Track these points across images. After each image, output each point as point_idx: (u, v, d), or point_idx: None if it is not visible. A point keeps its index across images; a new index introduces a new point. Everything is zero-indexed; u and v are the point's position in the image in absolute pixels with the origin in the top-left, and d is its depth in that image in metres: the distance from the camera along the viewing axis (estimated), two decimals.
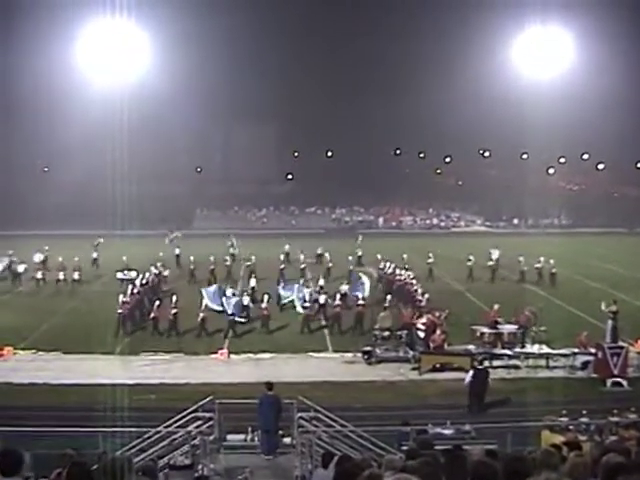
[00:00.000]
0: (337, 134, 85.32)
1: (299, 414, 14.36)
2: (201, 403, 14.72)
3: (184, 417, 14.18)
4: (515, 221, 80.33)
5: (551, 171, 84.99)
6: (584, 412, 15.59)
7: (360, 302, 28.39)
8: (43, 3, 56.37)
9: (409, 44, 70.20)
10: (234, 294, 29.76)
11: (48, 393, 20.49)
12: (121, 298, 27.98)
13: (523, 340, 24.51)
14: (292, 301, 30.72)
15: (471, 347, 23.51)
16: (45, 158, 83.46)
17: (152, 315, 27.77)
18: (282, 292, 31.46)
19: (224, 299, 28.69)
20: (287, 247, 43.02)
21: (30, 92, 66.02)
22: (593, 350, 22.49)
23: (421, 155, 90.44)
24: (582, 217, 75.97)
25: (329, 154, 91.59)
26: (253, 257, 39.15)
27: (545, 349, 23.33)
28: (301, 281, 33.55)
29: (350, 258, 40.26)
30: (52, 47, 57.51)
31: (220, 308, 28.76)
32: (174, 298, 28.01)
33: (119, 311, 27.48)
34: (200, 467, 13.10)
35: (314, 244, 45.33)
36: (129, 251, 39.65)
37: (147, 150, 69.27)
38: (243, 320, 28.34)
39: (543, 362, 23.09)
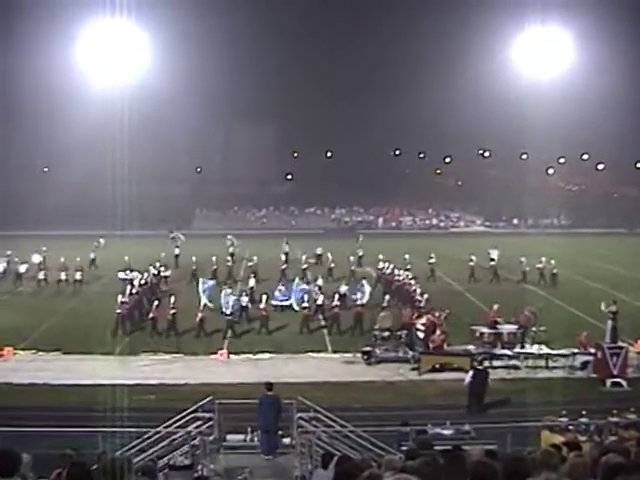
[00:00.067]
0: (337, 134, 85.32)
1: (299, 414, 14.37)
2: (201, 403, 14.72)
3: (184, 417, 14.18)
4: (515, 221, 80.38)
5: (551, 171, 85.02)
6: (584, 412, 15.58)
7: (359, 302, 28.43)
8: (43, 3, 56.39)
9: (409, 44, 70.21)
10: (232, 294, 29.75)
11: (48, 393, 20.48)
12: (119, 298, 28.00)
13: (523, 340, 24.51)
14: (289, 305, 30.87)
15: (471, 347, 23.51)
16: (45, 158, 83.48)
17: (151, 315, 27.77)
18: (277, 294, 31.37)
19: (222, 298, 28.76)
20: (287, 247, 43.10)
21: (30, 92, 66.04)
22: (593, 350, 22.49)
23: (421, 155, 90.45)
24: (582, 217, 76.00)
25: (329, 154, 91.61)
26: (255, 257, 39.19)
27: (545, 349, 23.32)
28: (296, 280, 33.37)
29: (352, 258, 40.38)
30: (52, 47, 57.53)
31: (205, 300, 29.55)
32: (172, 298, 28.05)
33: (118, 311, 27.50)
34: (200, 467, 13.10)
35: (314, 244, 45.34)
36: (129, 251, 39.61)
37: (147, 150, 69.28)
38: (236, 319, 28.26)
39: (543, 362, 23.08)
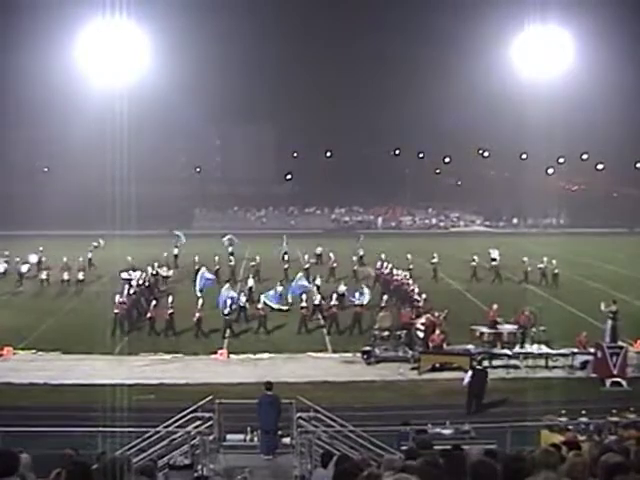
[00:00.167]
0: (336, 134, 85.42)
1: (298, 414, 14.36)
2: (200, 403, 14.72)
3: (183, 417, 14.18)
4: (514, 221, 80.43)
5: (550, 171, 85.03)
6: (583, 412, 15.58)
7: (357, 303, 28.42)
8: (42, 3, 56.41)
9: (409, 44, 70.28)
10: (232, 290, 29.77)
11: (48, 393, 20.49)
12: (117, 298, 28.02)
13: (523, 340, 24.52)
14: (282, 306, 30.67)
15: (470, 347, 23.51)
16: (45, 159, 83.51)
17: (149, 315, 27.79)
18: (272, 293, 31.08)
19: (221, 294, 28.84)
20: (286, 247, 43.20)
21: (29, 92, 66.06)
22: (592, 350, 22.49)
23: (421, 155, 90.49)
24: (581, 217, 76.02)
25: (328, 154, 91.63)
26: (257, 257, 39.20)
27: (544, 349, 23.32)
28: (298, 274, 33.29)
29: (354, 258, 40.47)
30: (51, 47, 57.45)
31: (197, 291, 30.51)
32: (170, 298, 28.07)
33: (115, 311, 27.53)
34: (199, 467, 13.10)
35: (314, 244, 45.34)
36: (130, 251, 39.62)
37: (147, 150, 69.34)
38: (234, 319, 28.21)
39: (542, 362, 23.09)
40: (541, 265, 38.10)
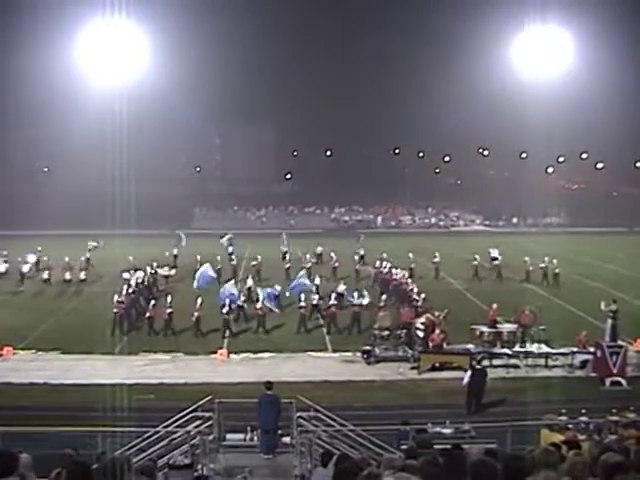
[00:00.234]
0: (336, 134, 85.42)
1: (298, 413, 14.36)
2: (200, 403, 14.72)
3: (183, 417, 14.18)
4: (514, 220, 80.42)
5: (550, 170, 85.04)
6: (583, 411, 15.58)
7: (355, 303, 28.41)
8: (42, 3, 56.39)
9: (409, 44, 70.24)
10: (233, 287, 29.81)
11: (48, 393, 20.49)
12: (116, 298, 28.02)
13: (522, 339, 24.52)
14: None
15: (470, 346, 23.51)
16: (45, 159, 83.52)
17: (147, 315, 27.79)
18: (269, 291, 31.00)
19: (221, 290, 28.93)
20: (285, 246, 43.21)
21: (29, 92, 66.04)
22: (592, 349, 22.50)
23: (420, 154, 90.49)
24: (581, 216, 76.01)
25: (328, 154, 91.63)
26: (259, 257, 39.21)
27: (544, 348, 23.32)
28: (301, 272, 33.36)
29: (356, 258, 40.54)
30: (50, 47, 57.45)
31: (196, 284, 31.50)
32: (169, 298, 28.08)
33: (114, 311, 27.55)
34: (199, 467, 13.11)
35: (314, 244, 45.33)
36: (129, 251, 39.60)
37: (146, 150, 69.33)
38: (231, 317, 28.21)
39: (542, 361, 23.09)
40: (542, 265, 38.10)
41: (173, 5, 60.40)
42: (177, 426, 13.98)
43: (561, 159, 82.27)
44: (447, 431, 15.44)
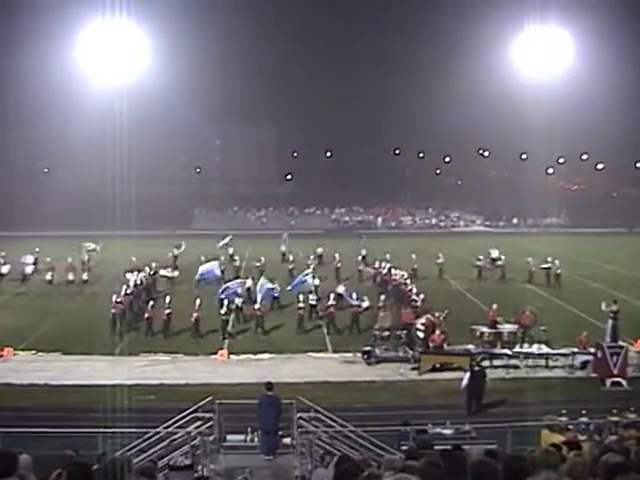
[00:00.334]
0: (336, 134, 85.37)
1: (299, 414, 14.36)
2: (201, 404, 14.72)
3: (184, 418, 14.18)
4: (515, 221, 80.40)
5: (550, 171, 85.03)
6: (583, 412, 15.59)
7: (354, 303, 28.41)
8: (42, 3, 56.38)
9: (409, 44, 70.25)
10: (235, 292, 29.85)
11: (48, 394, 20.49)
12: (114, 298, 28.01)
13: (523, 340, 24.52)
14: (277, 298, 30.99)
15: (470, 347, 23.50)
16: (45, 159, 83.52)
17: (146, 315, 27.79)
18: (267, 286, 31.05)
19: (229, 287, 29.16)
20: (284, 247, 43.31)
21: (29, 93, 66.03)
22: (593, 350, 22.49)
23: (421, 155, 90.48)
24: (581, 217, 75.96)
25: (328, 154, 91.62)
26: (262, 258, 39.21)
27: (545, 349, 23.32)
28: (307, 271, 33.47)
29: (359, 258, 40.62)
30: (50, 47, 57.47)
31: (198, 278, 31.82)
32: (168, 298, 28.07)
33: (113, 311, 27.56)
34: (200, 467, 13.10)
35: (315, 244, 45.32)
36: (129, 252, 39.62)
37: (147, 150, 69.32)
38: (228, 316, 28.25)
39: (543, 362, 23.09)
40: (545, 265, 38.08)
41: (173, 5, 60.43)
42: (177, 427, 13.98)
43: (561, 160, 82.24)
44: (447, 432, 15.44)
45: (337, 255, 40.18)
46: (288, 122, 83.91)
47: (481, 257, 40.29)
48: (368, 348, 24.23)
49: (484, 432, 14.96)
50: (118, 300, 28.10)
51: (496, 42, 57.10)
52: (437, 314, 25.27)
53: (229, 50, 70.23)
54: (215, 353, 24.78)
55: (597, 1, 57.20)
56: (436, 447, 10.18)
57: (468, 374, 19.64)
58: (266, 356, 24.83)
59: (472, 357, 21.72)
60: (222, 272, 36.08)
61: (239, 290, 29.53)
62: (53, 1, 54.60)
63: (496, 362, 22.98)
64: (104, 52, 44.19)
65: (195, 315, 27.14)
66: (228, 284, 29.96)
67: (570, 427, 14.71)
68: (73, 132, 65.19)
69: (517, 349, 23.72)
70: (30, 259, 39.67)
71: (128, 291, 29.93)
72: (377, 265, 37.87)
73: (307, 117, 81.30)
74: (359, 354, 24.29)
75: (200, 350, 25.31)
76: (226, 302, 28.21)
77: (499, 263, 40.17)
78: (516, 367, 22.93)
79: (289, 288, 31.04)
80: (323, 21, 77.45)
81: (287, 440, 14.53)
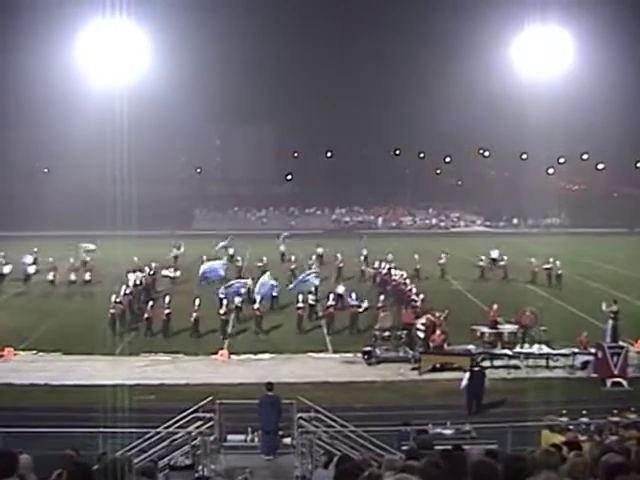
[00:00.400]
0: (336, 134, 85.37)
1: (299, 414, 14.36)
2: (201, 404, 14.72)
3: (184, 418, 14.18)
4: (515, 221, 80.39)
5: (551, 171, 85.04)
6: (584, 412, 15.59)
7: (354, 303, 28.42)
8: (42, 3, 56.38)
9: (409, 44, 70.24)
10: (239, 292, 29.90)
11: (48, 394, 20.50)
12: (113, 298, 28.01)
13: (523, 340, 24.52)
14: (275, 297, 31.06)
15: (471, 347, 23.50)
16: (45, 159, 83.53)
17: (146, 315, 27.79)
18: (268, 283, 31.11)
19: (234, 286, 29.23)
20: (283, 246, 43.29)
21: (30, 92, 66.04)
22: (593, 350, 22.49)
23: (421, 155, 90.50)
24: (582, 217, 75.95)
25: (328, 154, 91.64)
26: (264, 258, 39.22)
27: (545, 349, 23.32)
28: (310, 269, 33.44)
29: (361, 258, 40.76)
30: (51, 47, 57.48)
31: (200, 274, 32.03)
32: (167, 298, 28.09)
33: (112, 311, 27.55)
34: (200, 467, 13.10)
35: (315, 245, 45.30)
36: (130, 252, 39.60)
37: (147, 150, 69.33)
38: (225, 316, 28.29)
39: (543, 362, 23.08)
40: (547, 266, 38.07)
41: (173, 5, 60.43)
42: (178, 427, 13.98)
43: (562, 160, 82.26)
44: (448, 432, 15.44)
45: (339, 255, 40.16)
46: (288, 122, 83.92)
47: (483, 257, 40.47)
48: (368, 348, 24.22)
49: (484, 432, 14.96)
50: (117, 300, 28.11)
51: (496, 42, 57.13)
52: (437, 314, 25.27)
53: (229, 50, 70.26)
54: (215, 353, 24.78)
55: (597, 1, 57.23)
56: (436, 447, 10.19)
57: (467, 374, 19.64)
58: (266, 356, 24.84)
59: (472, 357, 21.72)
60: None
61: (242, 290, 29.53)
62: (53, 1, 54.63)
63: (497, 362, 22.98)
64: (104, 52, 44.20)
65: (194, 315, 27.14)
66: (231, 282, 30.04)
67: (570, 427, 14.71)
68: (73, 132, 65.18)
69: (517, 349, 23.72)
70: (29, 259, 39.65)
71: (127, 291, 29.93)
72: (377, 265, 37.89)
73: (307, 117, 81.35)
74: (359, 354, 24.29)
75: (200, 350, 25.31)
76: (225, 302, 28.22)
77: (501, 263, 40.19)
78: (517, 367, 22.92)
79: (291, 287, 31.06)
80: (323, 21, 77.48)
81: (287, 440, 14.53)
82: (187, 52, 65.84)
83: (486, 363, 22.42)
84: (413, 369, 22.97)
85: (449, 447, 7.91)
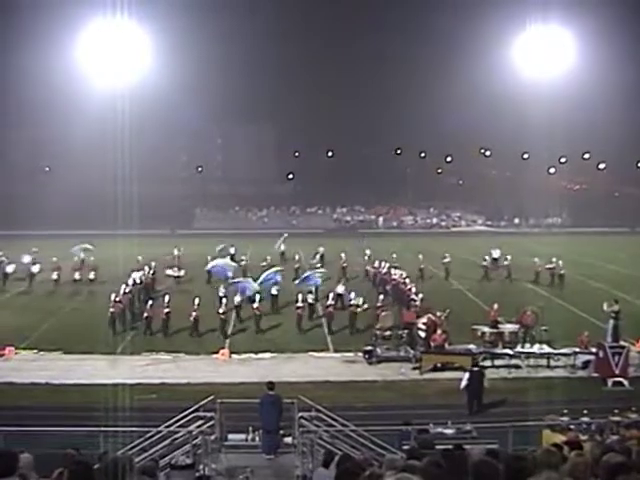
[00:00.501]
0: (337, 134, 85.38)
1: (300, 414, 14.36)
2: (202, 403, 14.73)
3: (185, 417, 14.18)
4: (516, 221, 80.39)
5: (552, 171, 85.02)
6: (585, 412, 15.57)
7: (353, 303, 28.42)
8: (43, 3, 56.44)
9: (409, 44, 70.22)
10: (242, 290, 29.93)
11: (49, 393, 20.50)
12: (113, 297, 28.02)
13: (524, 340, 24.51)
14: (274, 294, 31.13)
15: (472, 347, 23.49)
16: (46, 159, 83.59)
17: (145, 315, 27.79)
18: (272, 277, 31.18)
19: (238, 285, 29.35)
20: (283, 246, 43.39)
21: (31, 92, 66.07)
22: (594, 350, 22.47)
23: (422, 154, 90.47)
24: (583, 217, 75.96)
25: (329, 154, 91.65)
26: (269, 257, 39.24)
27: (546, 349, 23.31)
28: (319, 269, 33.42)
29: (365, 258, 40.77)
30: (52, 47, 57.54)
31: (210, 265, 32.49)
32: (167, 298, 28.11)
33: (111, 310, 27.55)
34: (201, 467, 13.10)
35: (315, 244, 45.31)
36: (131, 251, 39.61)
37: (148, 150, 69.33)
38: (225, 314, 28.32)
39: (544, 362, 23.07)
40: (550, 266, 38.04)
41: (174, 5, 60.48)
42: (179, 426, 13.99)
43: (563, 159, 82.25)
44: (449, 431, 15.45)
45: (343, 255, 40.11)
46: (289, 122, 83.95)
47: (487, 257, 40.46)
48: (369, 348, 24.21)
49: (485, 432, 14.95)
50: (117, 299, 28.09)
51: (497, 42, 57.15)
52: (438, 314, 25.26)
53: (230, 50, 70.27)
54: (216, 352, 24.79)
55: (598, 1, 57.21)
56: (437, 447, 10.20)
57: (467, 374, 19.63)
58: (267, 355, 24.83)
59: (474, 356, 21.71)
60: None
61: (247, 291, 29.52)
62: (54, 1, 54.68)
63: (498, 362, 22.97)
64: (105, 52, 44.26)
65: (194, 314, 27.15)
66: (236, 279, 30.09)
67: (571, 427, 14.70)
68: (74, 132, 65.25)
69: (518, 349, 23.70)
70: (28, 259, 39.60)
71: (127, 290, 29.92)
72: (377, 264, 37.87)
73: (308, 117, 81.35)
74: (360, 354, 24.29)
75: (201, 349, 25.31)
76: (225, 301, 28.23)
77: (505, 263, 40.09)
78: (518, 367, 22.90)
79: (297, 282, 31.36)
80: (323, 21, 77.49)
81: (288, 439, 14.54)
82: (188, 52, 65.89)
83: (487, 363, 22.40)
84: (414, 368, 22.96)
85: (450, 447, 7.92)
